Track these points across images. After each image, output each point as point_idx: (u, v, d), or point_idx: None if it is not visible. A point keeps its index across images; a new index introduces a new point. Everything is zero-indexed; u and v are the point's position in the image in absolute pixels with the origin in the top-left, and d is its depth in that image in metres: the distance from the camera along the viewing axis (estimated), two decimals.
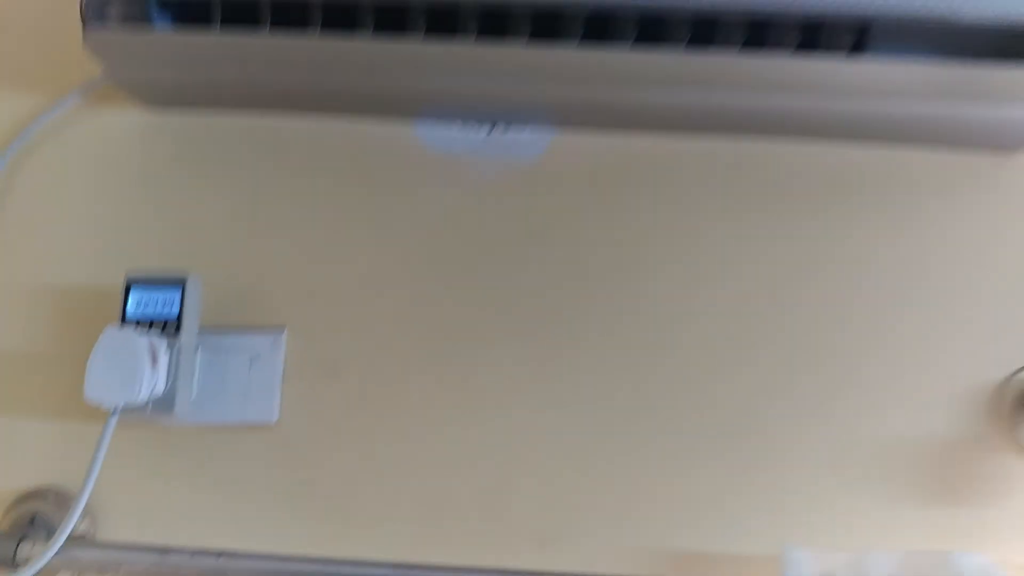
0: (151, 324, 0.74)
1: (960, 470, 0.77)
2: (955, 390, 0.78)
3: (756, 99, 0.77)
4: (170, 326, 0.74)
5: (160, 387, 0.72)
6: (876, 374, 0.79)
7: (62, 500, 0.77)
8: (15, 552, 0.72)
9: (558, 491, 0.77)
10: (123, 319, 0.73)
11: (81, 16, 0.73)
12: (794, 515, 0.77)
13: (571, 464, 0.78)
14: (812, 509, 0.77)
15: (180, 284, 0.75)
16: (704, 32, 0.72)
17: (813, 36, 0.72)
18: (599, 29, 0.71)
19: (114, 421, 0.71)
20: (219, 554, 0.74)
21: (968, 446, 0.77)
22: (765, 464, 0.78)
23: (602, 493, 0.77)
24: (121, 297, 0.74)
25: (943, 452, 0.77)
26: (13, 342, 0.84)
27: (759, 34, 0.72)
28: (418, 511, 0.77)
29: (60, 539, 0.69)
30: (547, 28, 0.71)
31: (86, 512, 0.75)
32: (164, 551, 0.74)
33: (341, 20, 0.72)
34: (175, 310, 0.74)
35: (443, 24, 0.72)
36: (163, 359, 0.72)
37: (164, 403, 0.73)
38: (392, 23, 0.72)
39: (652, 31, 0.71)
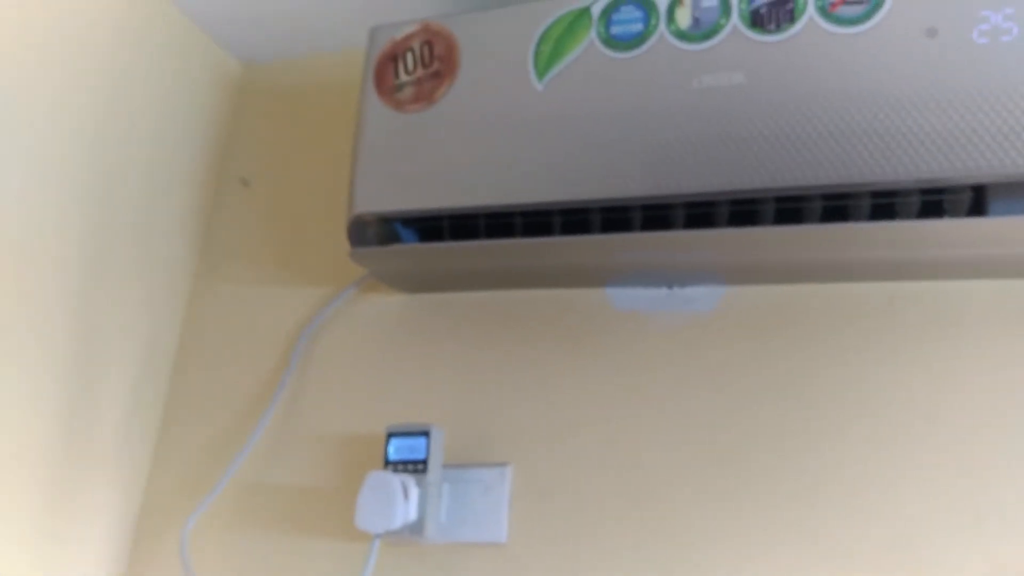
0: (406, 465, 0.92)
1: None
2: None
3: (890, 255, 0.85)
4: (420, 466, 0.92)
5: (413, 515, 0.89)
6: None
7: None
8: None
9: None
10: (385, 462, 0.93)
11: (348, 239, 0.95)
12: None
13: None
14: None
15: (426, 434, 0.93)
16: (837, 206, 0.81)
17: (935, 201, 0.79)
18: (745, 214, 0.83)
19: (378, 543, 0.90)
20: None
21: None
22: None
23: None
24: (384, 445, 0.94)
25: None
26: (304, 479, 1.03)
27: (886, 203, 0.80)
28: None
29: None
30: (699, 217, 0.84)
31: None
32: None
33: (538, 225, 0.89)
34: (423, 454, 0.92)
35: (616, 222, 0.87)
36: (414, 493, 0.89)
37: (417, 527, 0.90)
38: (575, 224, 0.88)
39: (789, 212, 0.82)
